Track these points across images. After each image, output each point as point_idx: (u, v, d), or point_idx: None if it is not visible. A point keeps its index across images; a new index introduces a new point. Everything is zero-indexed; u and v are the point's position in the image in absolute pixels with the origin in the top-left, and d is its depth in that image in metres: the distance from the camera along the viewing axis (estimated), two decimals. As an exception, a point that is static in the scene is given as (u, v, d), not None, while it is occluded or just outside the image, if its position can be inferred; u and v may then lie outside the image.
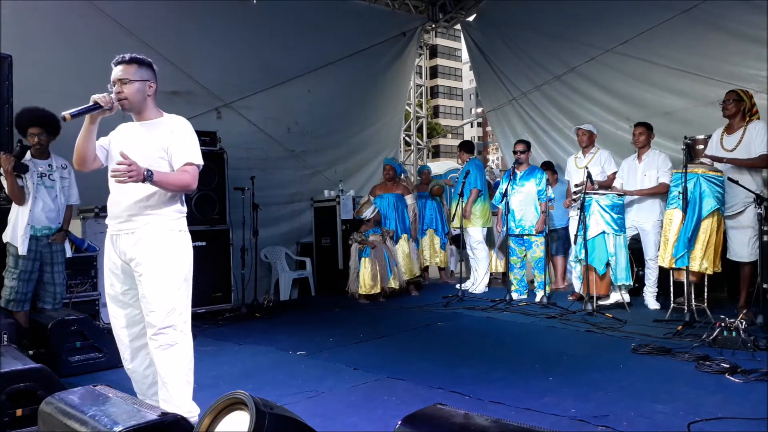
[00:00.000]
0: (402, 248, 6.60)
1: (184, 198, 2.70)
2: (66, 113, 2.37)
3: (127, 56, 2.57)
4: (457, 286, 6.19)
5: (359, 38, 7.84)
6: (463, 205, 6.43)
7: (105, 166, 2.64)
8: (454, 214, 6.46)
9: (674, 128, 5.97)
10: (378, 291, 6.19)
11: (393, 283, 6.29)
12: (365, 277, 6.17)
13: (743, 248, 4.55)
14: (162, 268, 2.52)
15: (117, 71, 2.55)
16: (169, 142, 2.57)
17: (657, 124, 5.63)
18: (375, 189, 6.93)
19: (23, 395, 2.54)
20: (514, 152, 6.16)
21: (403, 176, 7.17)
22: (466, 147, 6.88)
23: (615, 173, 5.51)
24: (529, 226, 5.93)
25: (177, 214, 2.63)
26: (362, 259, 6.20)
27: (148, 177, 2.39)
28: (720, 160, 4.51)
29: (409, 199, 6.85)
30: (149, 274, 2.51)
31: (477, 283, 6.56)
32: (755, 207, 4.26)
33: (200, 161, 2.61)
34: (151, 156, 2.55)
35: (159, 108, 2.69)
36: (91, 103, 2.42)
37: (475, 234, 6.52)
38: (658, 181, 5.09)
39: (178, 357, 2.53)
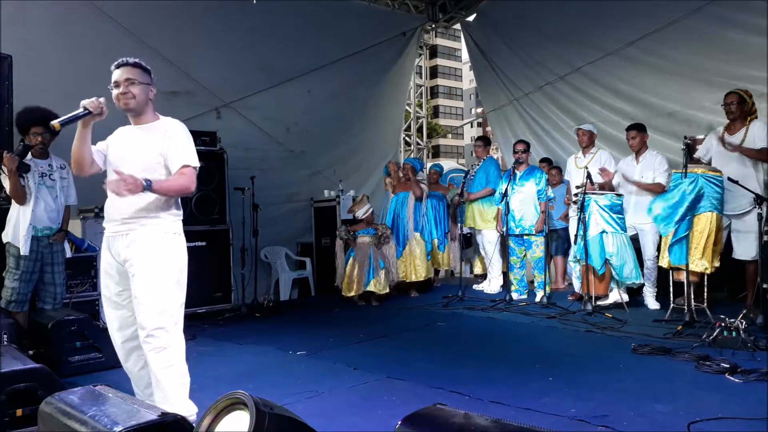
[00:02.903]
0: (415, 248, 6.48)
1: (180, 200, 2.71)
2: (55, 122, 2.35)
3: (131, 60, 2.60)
4: (477, 287, 6.10)
5: (359, 38, 7.82)
6: (469, 196, 6.41)
7: (104, 170, 2.65)
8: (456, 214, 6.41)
9: (678, 128, 5.98)
10: (354, 294, 6.07)
11: (374, 287, 6.02)
12: (347, 278, 6.14)
13: (749, 248, 4.55)
14: (154, 268, 2.53)
15: (121, 73, 2.57)
16: (164, 146, 2.58)
17: (661, 124, 5.61)
18: (395, 188, 6.70)
19: (23, 395, 2.54)
20: (514, 152, 6.15)
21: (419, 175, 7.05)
22: (486, 142, 6.90)
23: (615, 173, 5.51)
24: (529, 225, 5.93)
25: (173, 217, 2.64)
26: (349, 258, 6.19)
27: (147, 187, 2.39)
28: (737, 148, 4.47)
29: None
30: (141, 275, 2.52)
31: (490, 283, 6.55)
32: (756, 207, 4.26)
33: (196, 162, 2.61)
34: (151, 162, 2.57)
35: (156, 111, 2.71)
36: (80, 110, 2.41)
37: (489, 235, 6.49)
38: (655, 182, 5.09)
39: (171, 360, 2.53)
